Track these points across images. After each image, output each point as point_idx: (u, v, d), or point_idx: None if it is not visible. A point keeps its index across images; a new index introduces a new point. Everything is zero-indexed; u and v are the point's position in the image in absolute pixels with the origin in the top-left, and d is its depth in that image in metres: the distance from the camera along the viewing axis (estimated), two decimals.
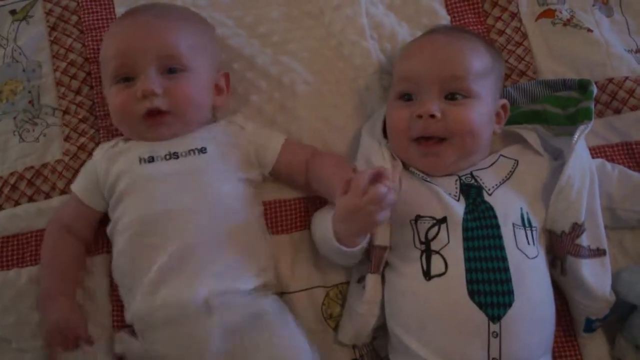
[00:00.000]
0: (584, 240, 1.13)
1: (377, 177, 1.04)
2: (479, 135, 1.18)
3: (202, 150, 1.21)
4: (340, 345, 1.22)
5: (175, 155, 1.20)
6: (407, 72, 1.22)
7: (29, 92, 1.39)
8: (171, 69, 1.20)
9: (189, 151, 1.21)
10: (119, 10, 1.44)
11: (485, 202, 1.14)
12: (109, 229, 1.22)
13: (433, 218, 1.13)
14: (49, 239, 1.25)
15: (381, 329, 1.19)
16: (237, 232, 1.18)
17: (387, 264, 1.16)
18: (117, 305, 1.23)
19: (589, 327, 1.17)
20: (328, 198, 1.21)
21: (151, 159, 1.20)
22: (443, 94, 1.17)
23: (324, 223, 1.15)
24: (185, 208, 1.15)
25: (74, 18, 1.44)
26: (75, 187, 1.26)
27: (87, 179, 1.26)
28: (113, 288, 1.24)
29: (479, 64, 1.19)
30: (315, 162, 1.26)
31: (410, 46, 1.29)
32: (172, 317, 1.10)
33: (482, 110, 1.18)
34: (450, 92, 1.16)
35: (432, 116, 1.14)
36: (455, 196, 1.15)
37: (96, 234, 1.27)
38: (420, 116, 1.15)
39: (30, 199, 1.31)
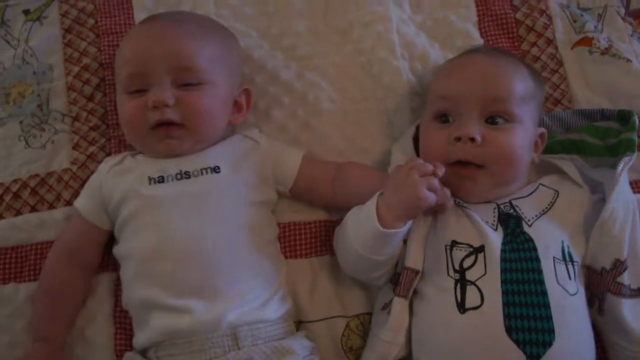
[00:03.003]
0: (626, 278, 1.09)
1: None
2: (518, 163, 1.14)
3: (215, 170, 1.17)
4: None
5: (186, 175, 1.15)
6: (446, 91, 1.18)
7: (38, 95, 1.35)
8: (186, 83, 1.16)
9: (201, 170, 1.16)
10: (138, 15, 1.41)
11: (524, 233, 1.09)
12: (115, 250, 1.18)
13: (470, 246, 1.08)
14: (51, 278, 1.19)
15: None
16: (254, 258, 1.14)
17: (415, 293, 1.11)
18: (121, 327, 1.19)
19: None
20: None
21: (161, 179, 1.15)
22: (484, 117, 1.13)
23: (362, 210, 1.11)
24: (197, 233, 1.11)
25: (91, 21, 1.41)
26: (78, 203, 1.21)
27: (91, 195, 1.21)
28: (117, 310, 1.20)
29: (522, 87, 1.16)
30: (343, 173, 1.24)
31: (450, 64, 1.26)
32: (194, 344, 1.06)
33: (524, 137, 1.14)
34: (492, 114, 1.13)
35: (472, 140, 1.10)
36: (493, 225, 1.10)
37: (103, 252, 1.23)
38: (458, 139, 1.11)
39: (33, 209, 1.27)
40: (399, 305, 1.09)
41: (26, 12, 1.43)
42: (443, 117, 1.17)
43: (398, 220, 1.06)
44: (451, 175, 1.12)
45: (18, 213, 1.26)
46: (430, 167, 1.06)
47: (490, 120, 1.13)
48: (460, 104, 1.14)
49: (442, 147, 1.14)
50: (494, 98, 1.13)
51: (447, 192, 1.08)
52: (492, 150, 1.10)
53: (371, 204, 1.08)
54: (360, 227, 1.10)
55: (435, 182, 1.05)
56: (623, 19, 1.46)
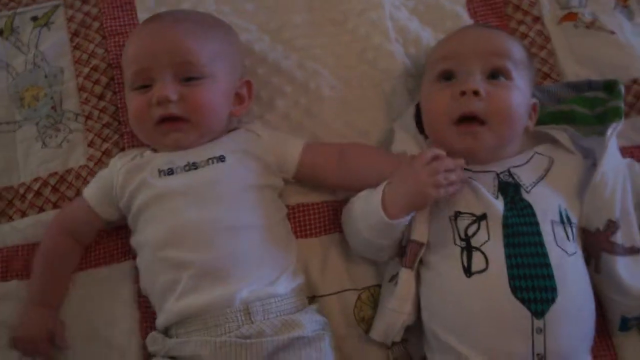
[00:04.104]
0: (619, 237, 1.13)
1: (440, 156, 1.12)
2: (517, 120, 1.19)
3: (221, 159, 1.20)
4: (372, 347, 1.21)
5: (194, 166, 1.19)
6: (448, 51, 1.24)
7: (51, 97, 1.39)
8: (188, 77, 1.19)
9: (208, 160, 1.20)
10: (141, 15, 1.44)
11: (523, 199, 1.14)
12: (132, 239, 1.22)
13: (473, 215, 1.13)
14: (48, 241, 1.25)
15: (413, 331, 1.18)
16: (264, 239, 1.17)
17: (422, 263, 1.16)
18: (145, 310, 1.23)
19: (625, 325, 1.17)
20: (370, 183, 1.20)
21: (170, 171, 1.19)
22: (485, 73, 1.18)
23: (370, 196, 1.15)
24: (209, 219, 1.15)
25: (96, 24, 1.45)
26: (87, 193, 1.25)
27: (101, 187, 1.25)
28: (140, 294, 1.23)
29: (518, 51, 1.22)
30: (347, 155, 1.26)
31: (449, 34, 1.32)
32: (209, 320, 1.10)
33: (522, 97, 1.19)
34: (493, 70, 1.18)
35: (476, 93, 1.14)
36: (494, 194, 1.15)
37: (122, 241, 1.27)
38: (463, 93, 1.15)
39: (55, 206, 1.31)
40: (405, 276, 1.14)
41: (34, 18, 1.47)
42: (446, 76, 1.21)
43: (403, 212, 1.10)
44: (454, 133, 1.17)
45: (41, 210, 1.30)
46: (439, 165, 1.09)
47: (493, 75, 1.17)
48: (463, 60, 1.19)
49: (447, 104, 1.17)
50: (494, 52, 1.19)
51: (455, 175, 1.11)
52: (494, 104, 1.15)
53: (377, 195, 1.12)
54: (367, 215, 1.14)
55: (441, 179, 1.09)
56: None
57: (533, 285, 1.05)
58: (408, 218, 1.12)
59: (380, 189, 1.14)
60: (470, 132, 1.16)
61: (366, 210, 1.15)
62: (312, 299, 1.24)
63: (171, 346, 1.11)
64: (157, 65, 1.18)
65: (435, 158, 1.11)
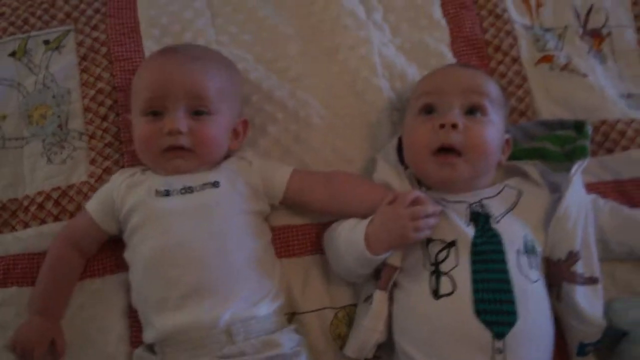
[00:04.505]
0: (579, 267, 1.19)
1: (421, 199, 1.17)
2: (491, 154, 1.25)
3: (215, 185, 1.26)
4: None
5: (190, 190, 1.25)
6: (431, 86, 1.30)
7: (58, 116, 1.44)
8: (198, 111, 1.25)
9: (203, 185, 1.25)
10: (147, 43, 1.50)
11: (492, 229, 1.20)
12: (126, 254, 1.27)
13: (443, 241, 1.19)
14: (54, 253, 1.30)
15: (385, 348, 1.24)
16: (250, 261, 1.23)
17: (395, 285, 1.22)
18: (135, 321, 1.27)
19: (582, 351, 1.22)
20: (353, 214, 1.27)
21: (167, 193, 1.24)
22: (464, 108, 1.24)
23: (354, 231, 1.21)
24: (200, 241, 1.20)
25: (104, 49, 1.50)
26: (90, 207, 1.30)
27: (103, 202, 1.30)
28: (130, 306, 1.28)
29: (495, 91, 1.29)
30: (335, 183, 1.31)
31: (432, 71, 1.38)
32: (194, 340, 1.15)
33: (496, 132, 1.26)
34: (471, 107, 1.24)
35: (454, 126, 1.21)
36: (466, 222, 1.21)
37: (116, 254, 1.31)
38: (442, 125, 1.21)
39: (56, 219, 1.36)
40: (380, 297, 1.20)
41: (46, 42, 1.52)
42: (427, 110, 1.27)
43: (385, 249, 1.17)
44: (433, 163, 1.23)
45: (43, 222, 1.35)
46: (420, 211, 1.15)
47: (470, 112, 1.24)
48: (444, 96, 1.25)
49: (427, 136, 1.23)
50: (473, 90, 1.25)
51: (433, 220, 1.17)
52: (471, 137, 1.21)
53: (360, 231, 1.18)
54: (350, 248, 1.20)
55: (427, 223, 1.15)
56: (581, 38, 1.55)
57: (495, 308, 1.11)
58: (389, 253, 1.18)
59: (363, 225, 1.19)
60: (448, 163, 1.22)
61: (350, 243, 1.21)
62: (293, 315, 1.30)
63: None
64: (172, 96, 1.24)
65: (416, 201, 1.16)
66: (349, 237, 1.22)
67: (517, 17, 1.58)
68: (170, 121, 1.23)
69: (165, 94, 1.25)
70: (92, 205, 1.31)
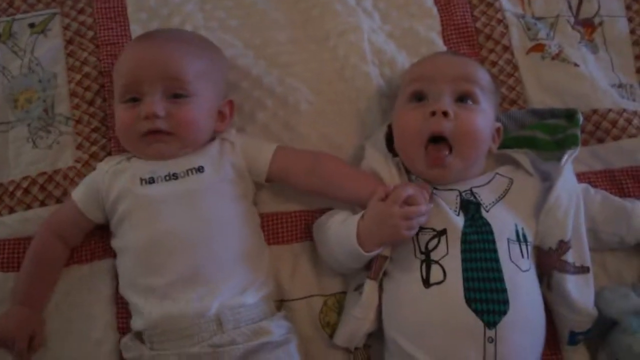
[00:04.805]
0: (570, 257, 1.19)
1: (414, 197, 1.16)
2: (481, 142, 1.25)
3: (200, 170, 1.25)
4: (336, 351, 1.27)
5: (174, 176, 1.24)
6: (421, 73, 1.30)
7: (44, 101, 1.43)
8: (176, 94, 1.24)
9: (187, 171, 1.25)
10: (134, 27, 1.50)
11: (482, 217, 1.20)
12: (113, 243, 1.27)
13: (434, 230, 1.18)
14: (38, 242, 1.29)
15: (375, 337, 1.24)
16: (238, 248, 1.23)
17: (385, 274, 1.21)
18: (122, 307, 1.27)
19: (573, 340, 1.23)
20: (339, 200, 1.28)
21: (152, 180, 1.24)
22: (455, 96, 1.24)
23: (345, 226, 1.20)
24: (187, 228, 1.19)
25: (90, 33, 1.49)
26: (75, 195, 1.29)
27: (88, 190, 1.29)
28: (118, 292, 1.27)
29: (486, 79, 1.29)
30: (324, 166, 1.30)
31: (422, 58, 1.38)
32: (183, 329, 1.14)
33: (486, 120, 1.26)
34: (462, 94, 1.24)
35: (445, 114, 1.20)
36: (456, 211, 1.21)
37: (104, 239, 1.31)
38: (433, 113, 1.21)
39: (42, 204, 1.35)
40: (370, 287, 1.20)
41: (31, 25, 1.50)
42: (418, 97, 1.26)
43: (377, 246, 1.16)
44: (423, 162, 1.23)
45: (28, 207, 1.34)
46: (414, 212, 1.13)
47: (460, 99, 1.24)
48: (434, 83, 1.25)
49: (417, 123, 1.23)
50: (464, 78, 1.25)
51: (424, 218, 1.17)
52: (461, 125, 1.20)
53: (352, 227, 1.17)
54: (342, 243, 1.20)
55: (415, 223, 1.14)
56: (572, 27, 1.56)
57: (486, 297, 1.11)
58: (381, 249, 1.18)
59: (354, 220, 1.18)
60: (439, 164, 1.22)
61: (341, 239, 1.20)
62: (281, 302, 1.30)
63: (147, 357, 1.16)
64: (147, 80, 1.23)
65: (409, 199, 1.15)
66: (339, 232, 1.22)
67: (509, 5, 1.58)
68: (146, 105, 1.22)
69: (141, 79, 1.24)
70: (78, 195, 1.30)
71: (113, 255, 1.29)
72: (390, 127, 1.34)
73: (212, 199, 1.24)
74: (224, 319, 1.14)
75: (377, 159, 1.30)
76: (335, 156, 1.36)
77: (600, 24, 1.58)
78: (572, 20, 1.57)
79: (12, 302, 1.26)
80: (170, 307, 1.14)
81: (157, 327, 1.15)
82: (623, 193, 1.38)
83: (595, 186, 1.35)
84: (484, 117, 1.25)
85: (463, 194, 1.24)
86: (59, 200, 1.35)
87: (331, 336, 1.27)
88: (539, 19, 1.57)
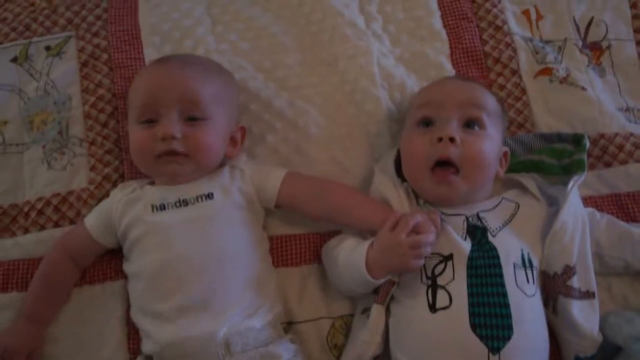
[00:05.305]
0: (575, 282, 1.20)
1: (422, 226, 1.17)
2: (488, 167, 1.27)
3: (209, 196, 1.27)
4: None
5: (184, 202, 1.27)
6: (429, 98, 1.32)
7: (59, 123, 1.46)
8: (192, 117, 1.26)
9: (197, 197, 1.27)
10: (147, 51, 1.53)
11: (489, 242, 1.21)
12: (125, 267, 1.30)
13: (440, 255, 1.20)
14: (50, 261, 1.31)
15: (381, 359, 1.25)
16: (247, 273, 1.25)
17: (392, 298, 1.23)
18: (133, 329, 1.29)
19: None
20: (348, 226, 1.30)
21: (163, 207, 1.27)
22: (462, 121, 1.26)
23: (354, 254, 1.22)
24: (197, 254, 1.22)
25: (104, 56, 1.52)
26: (88, 222, 1.32)
27: (101, 217, 1.32)
28: (129, 314, 1.29)
29: (492, 104, 1.31)
30: (333, 194, 1.32)
31: (430, 84, 1.40)
32: (192, 353, 1.17)
33: (493, 146, 1.27)
34: (469, 120, 1.26)
35: (452, 140, 1.22)
36: (462, 235, 1.22)
37: (116, 261, 1.34)
38: (440, 139, 1.23)
39: (56, 225, 1.38)
40: (377, 311, 1.21)
41: (47, 48, 1.54)
42: (425, 122, 1.29)
43: (385, 274, 1.19)
44: (430, 181, 1.25)
45: (42, 228, 1.37)
46: (421, 241, 1.15)
47: (467, 125, 1.26)
48: (442, 109, 1.27)
49: (425, 149, 1.25)
50: (471, 103, 1.27)
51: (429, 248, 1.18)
52: (468, 151, 1.23)
53: (361, 255, 1.19)
54: (351, 270, 1.22)
55: (423, 252, 1.15)
56: (580, 51, 1.56)
57: (491, 323, 1.12)
58: (389, 276, 1.20)
59: (363, 248, 1.20)
60: (445, 181, 1.23)
61: (350, 266, 1.22)
62: (289, 324, 1.32)
63: None
64: (165, 102, 1.25)
65: (417, 227, 1.17)
66: (348, 259, 1.23)
67: (517, 29, 1.59)
68: (163, 126, 1.25)
69: (158, 101, 1.26)
70: (91, 221, 1.32)
71: (124, 276, 1.31)
72: (399, 152, 1.36)
73: (221, 224, 1.26)
74: (232, 342, 1.16)
75: (385, 184, 1.31)
76: (343, 183, 1.38)
77: (608, 47, 1.59)
78: (580, 43, 1.59)
79: (19, 315, 1.28)
80: (179, 332, 1.17)
81: (166, 351, 1.18)
82: (629, 218, 1.38)
83: (601, 210, 1.36)
84: (490, 143, 1.26)
85: (470, 218, 1.25)
86: (72, 222, 1.38)
87: (338, 358, 1.28)
88: (547, 42, 1.58)
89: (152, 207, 1.27)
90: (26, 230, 1.38)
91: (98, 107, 1.47)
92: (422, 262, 1.17)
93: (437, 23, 1.59)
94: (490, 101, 1.31)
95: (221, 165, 1.35)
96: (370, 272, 1.17)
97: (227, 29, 1.57)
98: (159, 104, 1.26)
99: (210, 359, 1.16)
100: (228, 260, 1.23)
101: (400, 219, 1.19)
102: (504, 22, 1.59)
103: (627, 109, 1.52)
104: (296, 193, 1.32)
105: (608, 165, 1.43)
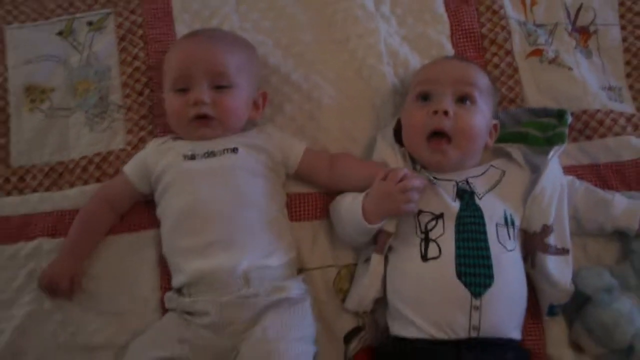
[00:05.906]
0: (552, 240, 1.32)
1: (409, 176, 1.30)
2: (477, 138, 1.39)
3: (234, 150, 1.41)
4: (346, 314, 1.41)
5: (212, 154, 1.40)
6: (427, 76, 1.44)
7: (99, 91, 1.60)
8: (219, 85, 1.40)
9: (223, 150, 1.41)
10: (178, 27, 1.65)
11: (475, 204, 1.34)
12: (158, 211, 1.43)
13: (433, 213, 1.33)
14: (92, 204, 1.45)
15: (380, 303, 1.38)
16: (265, 218, 1.38)
17: (390, 248, 1.36)
18: (165, 271, 1.42)
19: (552, 311, 1.36)
20: (353, 189, 1.42)
21: (192, 157, 1.40)
22: (456, 97, 1.38)
23: (353, 204, 1.35)
24: (220, 198, 1.35)
25: (140, 31, 1.65)
26: (127, 169, 1.46)
27: (138, 165, 1.46)
28: (161, 258, 1.42)
29: (485, 82, 1.43)
30: (339, 163, 1.47)
31: (430, 62, 1.52)
32: (217, 283, 1.30)
33: (483, 119, 1.40)
34: (461, 96, 1.38)
35: (446, 113, 1.34)
36: (453, 197, 1.35)
37: (149, 212, 1.46)
38: (436, 112, 1.35)
39: (98, 180, 1.52)
40: (376, 259, 1.35)
41: (90, 23, 1.67)
42: (423, 97, 1.40)
43: (379, 219, 1.31)
44: (426, 149, 1.37)
45: (86, 183, 1.51)
46: (410, 183, 1.27)
47: (460, 100, 1.38)
48: (438, 85, 1.39)
49: (422, 120, 1.37)
50: (465, 81, 1.39)
51: (416, 193, 1.30)
52: (460, 123, 1.35)
53: (358, 205, 1.32)
54: (351, 219, 1.34)
55: (413, 196, 1.28)
56: (569, 34, 1.66)
57: (474, 272, 1.25)
58: (383, 222, 1.33)
59: (360, 199, 1.33)
60: (439, 150, 1.36)
61: (350, 214, 1.35)
62: (301, 270, 1.44)
63: (185, 304, 1.32)
64: (196, 73, 1.40)
65: (404, 177, 1.29)
66: (349, 208, 1.36)
67: (513, 13, 1.68)
68: (194, 94, 1.39)
69: (190, 72, 1.40)
70: (129, 168, 1.47)
71: (157, 226, 1.43)
72: (399, 121, 1.48)
73: (243, 175, 1.39)
74: (250, 276, 1.31)
75: (386, 150, 1.45)
76: (347, 153, 1.53)
77: (595, 31, 1.68)
78: (569, 27, 1.68)
79: (61, 250, 1.41)
80: (206, 265, 1.30)
81: (194, 281, 1.32)
82: (606, 186, 1.48)
83: (581, 179, 1.46)
84: (480, 116, 1.39)
85: (459, 183, 1.38)
86: (112, 177, 1.51)
87: (343, 301, 1.41)
88: (539, 26, 1.68)
89: (184, 156, 1.40)
90: (72, 185, 1.51)
91: (134, 78, 1.60)
92: (411, 206, 1.28)
93: (440, 7, 1.69)
94: (482, 79, 1.43)
95: (250, 129, 1.50)
96: (366, 218, 1.31)
97: (251, 9, 1.69)
98: (191, 75, 1.40)
99: (231, 288, 1.29)
100: (248, 205, 1.36)
101: (390, 170, 1.33)
102: (501, 6, 1.68)
103: (610, 88, 1.62)
104: (313, 164, 1.48)
105: (589, 138, 1.53)
